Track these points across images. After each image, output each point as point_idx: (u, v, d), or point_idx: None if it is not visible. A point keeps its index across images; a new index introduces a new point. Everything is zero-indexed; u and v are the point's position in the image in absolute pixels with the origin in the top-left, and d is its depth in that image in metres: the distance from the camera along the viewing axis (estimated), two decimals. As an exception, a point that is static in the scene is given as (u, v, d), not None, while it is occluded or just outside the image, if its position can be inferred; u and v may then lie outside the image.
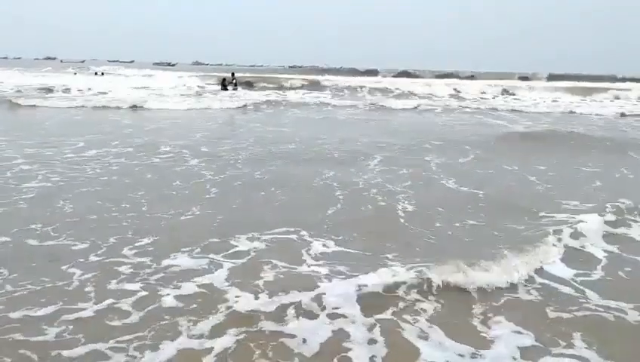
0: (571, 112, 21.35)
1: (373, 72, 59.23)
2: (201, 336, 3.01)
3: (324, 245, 4.56)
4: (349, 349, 2.92)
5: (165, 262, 4.07)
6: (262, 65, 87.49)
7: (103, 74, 38.61)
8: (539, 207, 5.80)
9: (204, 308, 3.36)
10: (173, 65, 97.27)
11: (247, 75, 37.07)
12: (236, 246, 4.46)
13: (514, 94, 31.92)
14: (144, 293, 3.54)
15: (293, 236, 4.78)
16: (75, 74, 39.89)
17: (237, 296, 3.50)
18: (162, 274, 3.87)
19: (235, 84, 28.16)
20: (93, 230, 4.71)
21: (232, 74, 30.09)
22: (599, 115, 20.39)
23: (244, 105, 19.55)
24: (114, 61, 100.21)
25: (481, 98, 29.39)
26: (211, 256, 4.23)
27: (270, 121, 14.81)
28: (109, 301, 3.41)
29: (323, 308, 3.37)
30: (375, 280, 3.71)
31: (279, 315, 3.27)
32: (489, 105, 23.93)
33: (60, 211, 5.24)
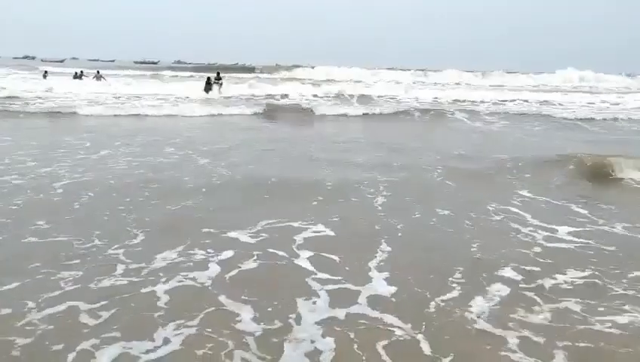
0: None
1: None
2: (178, 332, 3.16)
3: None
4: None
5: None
6: (245, 64, 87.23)
7: (82, 72, 36.71)
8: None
9: (191, 303, 3.52)
10: (155, 63, 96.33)
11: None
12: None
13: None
14: (132, 287, 3.68)
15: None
16: (45, 73, 35.59)
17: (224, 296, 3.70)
18: (155, 268, 4.04)
19: (221, 85, 27.92)
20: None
21: (218, 73, 29.13)
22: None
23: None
24: (94, 60, 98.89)
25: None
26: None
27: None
28: (97, 294, 3.55)
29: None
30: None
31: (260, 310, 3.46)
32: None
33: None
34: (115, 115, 15.54)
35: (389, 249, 4.65)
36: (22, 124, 13.14)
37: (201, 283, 3.84)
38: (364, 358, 2.92)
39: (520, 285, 3.97)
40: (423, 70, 60.33)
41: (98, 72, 36.89)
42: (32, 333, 3.08)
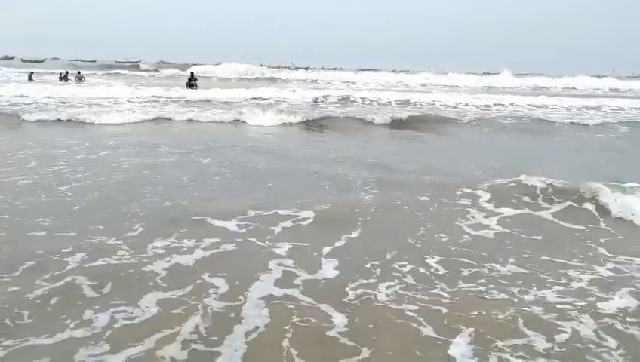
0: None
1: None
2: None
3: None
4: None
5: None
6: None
7: (67, 73, 36.51)
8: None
9: (174, 278, 4.27)
10: (136, 63, 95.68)
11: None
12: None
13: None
14: (128, 267, 4.43)
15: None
16: (31, 74, 34.73)
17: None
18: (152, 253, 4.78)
19: (193, 85, 27.73)
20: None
21: (192, 73, 29.43)
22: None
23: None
24: (75, 60, 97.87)
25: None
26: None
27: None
28: (96, 272, 4.28)
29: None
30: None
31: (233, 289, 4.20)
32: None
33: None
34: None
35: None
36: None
37: (186, 263, 4.58)
38: (287, 335, 3.48)
39: (439, 270, 4.71)
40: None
41: (79, 72, 37.02)
42: (40, 303, 3.80)
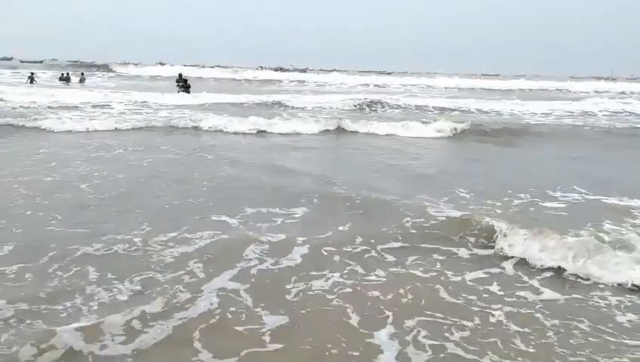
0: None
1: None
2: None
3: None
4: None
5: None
6: (226, 67, 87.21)
7: (68, 75, 36.64)
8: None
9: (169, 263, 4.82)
10: (134, 65, 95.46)
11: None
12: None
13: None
14: (131, 255, 4.99)
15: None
16: (31, 76, 34.30)
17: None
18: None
19: (183, 87, 26.33)
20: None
21: (180, 75, 27.54)
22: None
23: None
24: (74, 61, 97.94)
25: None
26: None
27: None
28: (101, 260, 4.81)
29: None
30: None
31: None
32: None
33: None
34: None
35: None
36: None
37: (183, 251, 5.12)
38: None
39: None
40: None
41: (82, 73, 37.56)
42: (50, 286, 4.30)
